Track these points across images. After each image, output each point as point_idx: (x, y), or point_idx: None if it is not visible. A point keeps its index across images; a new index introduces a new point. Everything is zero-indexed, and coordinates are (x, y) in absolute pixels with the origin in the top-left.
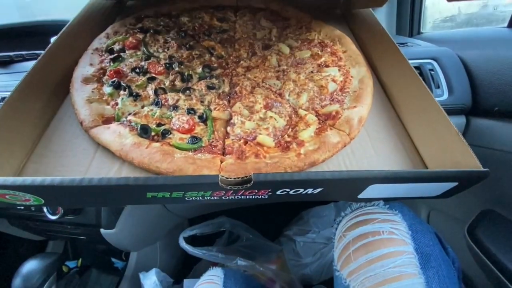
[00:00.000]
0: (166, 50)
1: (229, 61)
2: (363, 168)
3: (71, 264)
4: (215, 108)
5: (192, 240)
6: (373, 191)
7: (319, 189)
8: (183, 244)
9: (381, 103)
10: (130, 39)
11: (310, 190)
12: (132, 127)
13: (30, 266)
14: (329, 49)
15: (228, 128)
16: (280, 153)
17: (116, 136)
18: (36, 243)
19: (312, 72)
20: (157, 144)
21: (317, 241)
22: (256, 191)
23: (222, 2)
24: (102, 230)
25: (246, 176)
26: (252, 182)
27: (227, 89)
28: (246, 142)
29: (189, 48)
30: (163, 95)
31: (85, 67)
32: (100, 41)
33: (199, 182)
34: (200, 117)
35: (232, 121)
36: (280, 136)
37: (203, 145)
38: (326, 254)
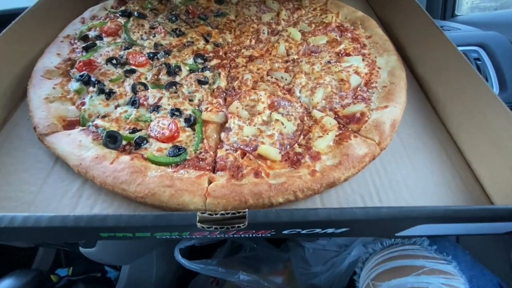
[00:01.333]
0: (151, 37)
1: (227, 50)
2: (400, 190)
3: (62, 272)
4: (206, 109)
5: (190, 251)
6: (417, 228)
7: (343, 229)
8: (178, 257)
9: (417, 102)
10: (109, 24)
11: (331, 230)
12: (97, 134)
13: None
14: (349, 34)
15: (222, 135)
16: (288, 169)
17: (75, 146)
18: (26, 251)
19: (329, 62)
20: (126, 158)
21: (328, 248)
22: (254, 231)
23: None
24: (81, 249)
25: (238, 213)
26: (246, 222)
27: (223, 84)
28: (244, 154)
29: (180, 35)
30: (143, 92)
31: (50, 58)
32: (74, 27)
33: (167, 224)
34: (186, 120)
35: (227, 125)
36: (288, 146)
37: (187, 157)
38: (338, 265)
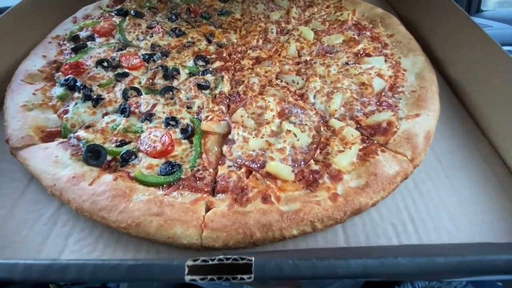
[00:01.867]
0: (148, 37)
1: (232, 51)
2: (439, 217)
3: None
4: (207, 117)
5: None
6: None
7: (380, 278)
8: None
9: (450, 109)
10: (102, 23)
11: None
12: (78, 148)
13: None
14: (368, 33)
15: (224, 148)
16: (303, 191)
17: (50, 163)
18: None
19: (347, 64)
20: (108, 178)
21: None
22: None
23: None
24: None
25: (241, 259)
26: (252, 276)
27: (226, 88)
28: (249, 173)
29: (180, 34)
30: (135, 99)
31: (35, 61)
32: (65, 27)
33: (145, 276)
34: (183, 130)
35: (230, 136)
36: (302, 163)
37: (182, 176)
38: None
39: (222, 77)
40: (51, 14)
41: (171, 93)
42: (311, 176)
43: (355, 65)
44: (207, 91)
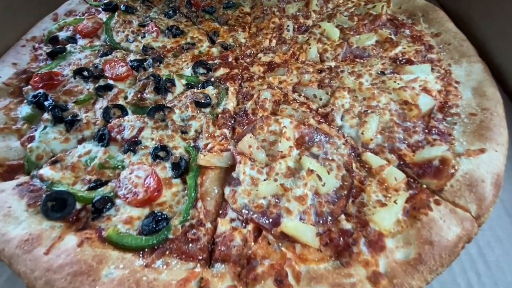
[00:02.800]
0: (140, 37)
1: (239, 54)
2: None
3: None
4: (205, 146)
5: None
6: None
7: None
8: None
9: None
10: (85, 21)
11: None
12: (38, 193)
13: None
14: (407, 31)
15: (227, 192)
16: (331, 263)
17: (0, 217)
18: None
19: (382, 73)
20: (72, 241)
21: None
22: None
23: None
24: None
25: None
26: None
27: (231, 104)
28: (259, 232)
29: (177, 34)
30: (117, 120)
31: (2, 70)
32: (44, 27)
33: None
34: (175, 166)
35: (235, 174)
36: (330, 218)
37: (170, 236)
38: None
39: (227, 89)
40: (30, 9)
41: (162, 113)
42: (341, 239)
43: (393, 75)
44: (208, 110)
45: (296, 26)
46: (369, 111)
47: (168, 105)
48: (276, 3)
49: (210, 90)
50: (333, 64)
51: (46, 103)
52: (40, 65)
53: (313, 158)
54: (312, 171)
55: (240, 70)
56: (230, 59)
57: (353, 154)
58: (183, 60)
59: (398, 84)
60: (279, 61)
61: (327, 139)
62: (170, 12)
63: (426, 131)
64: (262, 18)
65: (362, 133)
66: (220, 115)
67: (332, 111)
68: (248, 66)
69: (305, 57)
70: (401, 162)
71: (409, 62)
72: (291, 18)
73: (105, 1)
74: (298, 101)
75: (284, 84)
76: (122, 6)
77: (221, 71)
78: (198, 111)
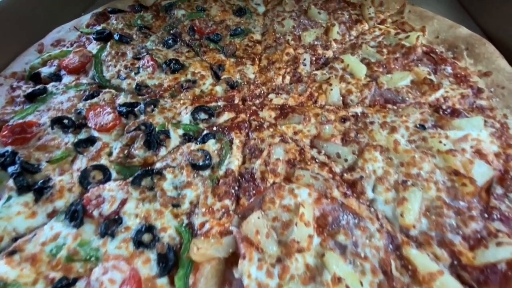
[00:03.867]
0: (133, 73)
1: (247, 94)
2: None
3: None
4: (202, 225)
5: None
6: None
7: None
8: None
9: None
10: (71, 55)
11: None
12: None
13: None
14: (449, 68)
15: None
16: None
17: None
18: None
19: (423, 127)
20: None
21: None
22: None
23: None
24: None
25: None
26: None
27: (236, 163)
28: None
29: (176, 69)
30: (96, 190)
31: None
32: (27, 59)
33: None
34: (161, 258)
35: (237, 273)
36: None
37: None
38: None
39: (231, 141)
40: (13, 37)
41: (150, 179)
42: None
43: (436, 130)
44: (207, 173)
45: (314, 59)
46: (408, 183)
47: (160, 164)
48: (291, 30)
49: (211, 146)
50: (359, 110)
51: (9, 169)
52: (16, 110)
53: (340, 251)
54: (339, 279)
55: (248, 115)
56: (236, 101)
57: (391, 246)
58: (181, 102)
59: (445, 145)
60: (294, 103)
61: (356, 221)
62: (170, 41)
63: (485, 215)
64: (275, 48)
65: (401, 216)
66: (222, 179)
67: (362, 179)
68: (258, 110)
69: (325, 99)
70: (455, 262)
71: (455, 112)
72: (308, 49)
73: (98, 29)
74: (317, 160)
75: (300, 135)
76: (115, 35)
77: (226, 116)
78: (195, 175)
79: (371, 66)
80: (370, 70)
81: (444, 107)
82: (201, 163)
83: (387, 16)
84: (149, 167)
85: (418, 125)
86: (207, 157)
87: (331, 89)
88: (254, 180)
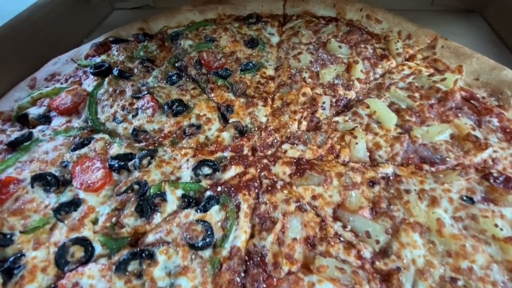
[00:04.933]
0: (131, 116)
1: (258, 144)
2: None
3: None
4: None
5: None
6: None
7: None
8: None
9: None
10: (63, 94)
11: None
12: None
13: None
14: (495, 121)
15: None
16: None
17: None
18: None
19: (470, 200)
20: None
21: None
22: None
23: (256, 9)
24: None
25: None
26: None
27: (243, 239)
28: None
29: (179, 112)
30: (74, 273)
31: None
32: (17, 96)
33: None
34: None
35: None
36: None
37: None
38: None
39: (238, 207)
40: (7, 68)
41: (138, 264)
42: None
43: (488, 206)
44: (207, 253)
45: (334, 100)
46: (459, 283)
47: (152, 236)
48: (308, 65)
49: (214, 215)
50: (390, 170)
51: None
52: None
53: None
54: None
55: (258, 171)
56: (245, 151)
57: None
58: (183, 152)
59: (501, 229)
60: (312, 157)
61: None
62: (174, 77)
63: None
64: (289, 87)
65: None
66: (225, 263)
67: (398, 272)
68: (269, 164)
69: (349, 154)
70: None
71: (510, 181)
72: (327, 88)
73: (96, 63)
74: (342, 238)
75: (320, 201)
76: (115, 70)
77: (232, 171)
78: (193, 256)
79: (401, 114)
80: (401, 118)
81: (494, 173)
82: (200, 243)
83: (417, 51)
84: (137, 249)
85: (464, 198)
86: (209, 233)
87: (356, 143)
88: (264, 265)
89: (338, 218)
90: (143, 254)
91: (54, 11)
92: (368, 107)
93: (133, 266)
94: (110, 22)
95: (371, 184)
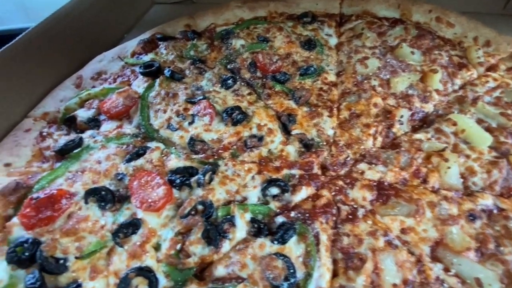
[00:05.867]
0: (186, 123)
1: (329, 162)
2: None
3: None
4: None
5: None
6: None
7: None
8: None
9: None
10: (114, 96)
11: None
12: None
13: None
14: None
15: None
16: None
17: None
18: None
19: None
20: None
21: None
22: None
23: (310, 7)
24: None
25: None
26: None
27: (327, 278)
28: None
29: (239, 120)
30: None
31: None
32: (62, 96)
33: None
34: None
35: None
36: None
37: None
38: None
39: (317, 238)
40: (48, 64)
41: None
42: None
43: None
44: None
45: (410, 114)
46: None
47: (223, 269)
48: (375, 72)
49: (293, 248)
50: (489, 202)
51: (27, 280)
52: (44, 167)
53: None
54: None
55: (333, 194)
56: (315, 169)
57: None
58: (246, 168)
59: None
60: (394, 180)
61: None
62: (230, 80)
63: None
64: (357, 96)
65: None
66: None
67: None
68: (345, 187)
69: (439, 179)
70: None
71: None
72: (401, 99)
73: (146, 61)
74: (446, 285)
75: (412, 236)
76: (167, 71)
77: (303, 193)
78: None
79: (494, 134)
80: (495, 139)
81: None
82: (285, 285)
83: (498, 60)
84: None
85: None
86: (291, 271)
87: (449, 167)
88: None
89: (438, 259)
90: None
91: (95, 5)
92: (455, 124)
93: None
94: (150, 17)
95: (471, 218)
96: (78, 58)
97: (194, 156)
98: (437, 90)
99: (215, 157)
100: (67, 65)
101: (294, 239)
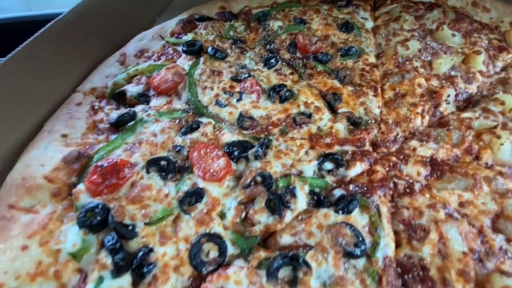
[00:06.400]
0: (235, 100)
1: (379, 138)
2: None
3: None
4: None
5: None
6: None
7: None
8: None
9: None
10: (163, 72)
11: None
12: None
13: None
14: None
15: None
16: None
17: None
18: None
19: None
20: None
21: None
22: None
23: None
24: None
25: None
26: None
27: (392, 249)
28: None
29: (287, 97)
30: (219, 277)
31: (45, 150)
32: (107, 72)
33: None
34: None
35: None
36: None
37: None
38: None
39: (378, 210)
40: (89, 43)
41: (291, 271)
42: None
43: None
44: (361, 263)
45: (455, 94)
46: None
47: (289, 238)
48: (416, 54)
49: (358, 218)
50: None
51: (106, 241)
52: (99, 139)
53: None
54: None
55: (387, 169)
56: (367, 146)
57: None
58: (298, 143)
59: None
60: (446, 157)
61: None
62: (272, 60)
63: None
64: (401, 76)
65: None
66: (384, 276)
67: None
68: (399, 162)
69: (492, 156)
70: None
71: None
72: (444, 80)
73: (187, 40)
74: (510, 254)
75: (471, 209)
76: (210, 49)
77: (358, 168)
78: (346, 265)
79: None
80: None
81: None
82: (358, 251)
83: None
84: (289, 254)
85: None
86: (360, 239)
87: (502, 144)
88: (431, 282)
89: (499, 230)
90: (299, 260)
91: None
92: (502, 103)
93: (283, 273)
94: (180, 1)
95: None
96: (114, 39)
97: (245, 132)
98: (480, 72)
99: (265, 133)
100: (105, 46)
101: (357, 210)
